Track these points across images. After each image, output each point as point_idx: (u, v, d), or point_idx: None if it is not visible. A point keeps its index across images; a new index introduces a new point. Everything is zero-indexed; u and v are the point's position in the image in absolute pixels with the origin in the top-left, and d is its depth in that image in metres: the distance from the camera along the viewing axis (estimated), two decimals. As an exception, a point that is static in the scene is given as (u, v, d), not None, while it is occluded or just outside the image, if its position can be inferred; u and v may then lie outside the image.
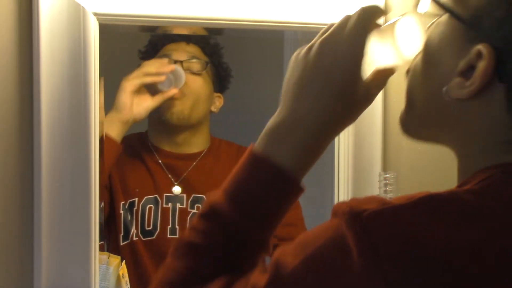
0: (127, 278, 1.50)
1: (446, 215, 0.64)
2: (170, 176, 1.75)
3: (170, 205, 1.72)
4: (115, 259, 1.46)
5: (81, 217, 1.30)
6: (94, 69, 1.29)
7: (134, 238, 1.70)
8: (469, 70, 0.72)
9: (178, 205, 1.72)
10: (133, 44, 1.77)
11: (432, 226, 0.62)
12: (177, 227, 1.71)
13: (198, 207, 1.72)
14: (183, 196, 1.73)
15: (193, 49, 1.75)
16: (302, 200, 1.90)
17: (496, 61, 0.69)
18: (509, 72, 0.70)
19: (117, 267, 1.46)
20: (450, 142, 0.78)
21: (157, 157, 1.76)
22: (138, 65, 1.67)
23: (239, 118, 1.78)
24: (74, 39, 1.27)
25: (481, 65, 0.70)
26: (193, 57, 1.73)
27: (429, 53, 0.78)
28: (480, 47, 0.70)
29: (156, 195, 1.72)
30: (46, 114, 1.27)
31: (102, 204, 1.49)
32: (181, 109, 1.72)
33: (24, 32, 1.26)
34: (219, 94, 1.80)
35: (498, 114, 0.71)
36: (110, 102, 1.71)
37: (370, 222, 0.62)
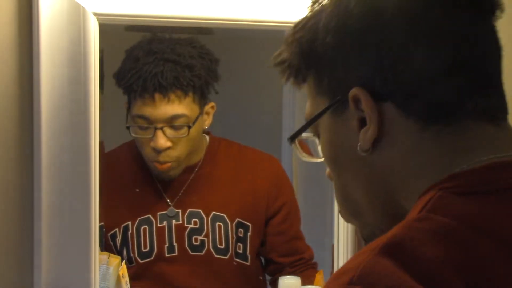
0: (127, 278, 1.50)
1: (407, 256, 0.64)
2: (165, 196, 1.69)
3: (165, 223, 1.67)
4: (115, 259, 1.46)
5: (81, 217, 1.30)
6: (94, 69, 1.29)
7: (130, 264, 1.65)
8: (361, 120, 0.74)
9: (174, 221, 1.67)
10: (133, 44, 1.77)
11: (399, 274, 0.63)
12: (175, 244, 1.67)
13: (195, 222, 1.67)
14: (179, 211, 1.68)
15: (174, 105, 1.58)
16: (302, 200, 1.91)
17: (370, 90, 0.72)
18: (388, 93, 0.72)
19: (117, 267, 1.46)
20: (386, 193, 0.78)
21: (151, 176, 1.68)
22: None
23: (238, 118, 1.78)
24: (74, 39, 1.27)
25: (363, 101, 0.72)
26: (174, 116, 1.58)
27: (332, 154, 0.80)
28: (350, 94, 0.73)
29: (149, 215, 1.67)
30: (46, 114, 1.27)
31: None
32: (173, 170, 1.65)
33: (24, 32, 1.26)
34: (212, 105, 1.68)
35: (411, 138, 0.73)
36: (110, 102, 1.71)
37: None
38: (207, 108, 1.66)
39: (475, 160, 0.70)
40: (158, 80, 1.55)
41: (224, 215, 1.69)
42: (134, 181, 1.70)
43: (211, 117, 1.68)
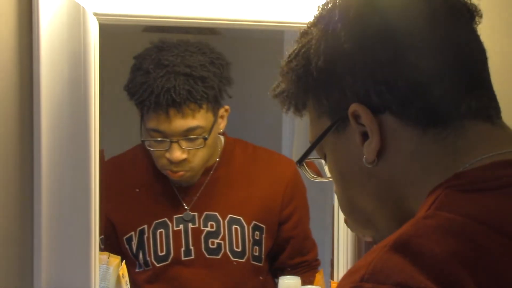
0: (127, 278, 1.50)
1: (415, 252, 0.66)
2: (181, 199, 1.67)
3: (181, 226, 1.66)
4: (115, 259, 1.46)
5: (81, 217, 1.30)
6: (94, 70, 1.29)
7: (147, 267, 1.65)
8: (363, 134, 0.77)
9: (190, 225, 1.66)
10: (133, 44, 1.77)
11: (408, 270, 0.64)
12: (191, 247, 1.66)
13: (211, 225, 1.66)
14: (195, 214, 1.66)
15: (189, 118, 1.57)
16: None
17: (367, 104, 0.76)
18: (384, 104, 0.75)
19: (117, 267, 1.46)
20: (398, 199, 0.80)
21: (167, 179, 1.66)
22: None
23: (239, 118, 1.77)
24: (74, 39, 1.27)
25: (363, 116, 0.76)
26: (190, 129, 1.57)
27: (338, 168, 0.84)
28: (350, 111, 0.76)
29: (165, 219, 1.66)
30: (46, 114, 1.27)
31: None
32: (189, 178, 1.64)
33: (24, 32, 1.26)
34: (226, 108, 1.66)
35: (413, 144, 0.76)
36: (110, 102, 1.71)
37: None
38: (221, 112, 1.64)
39: (477, 158, 0.74)
40: (171, 95, 1.53)
41: (241, 218, 1.68)
42: (149, 184, 1.68)
43: (225, 119, 1.67)
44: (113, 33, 1.38)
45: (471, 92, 0.76)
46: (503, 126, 0.78)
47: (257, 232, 1.69)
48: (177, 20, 1.37)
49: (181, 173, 1.61)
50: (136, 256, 1.66)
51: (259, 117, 1.99)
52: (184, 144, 1.58)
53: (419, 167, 0.76)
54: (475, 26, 0.79)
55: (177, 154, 1.57)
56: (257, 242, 1.69)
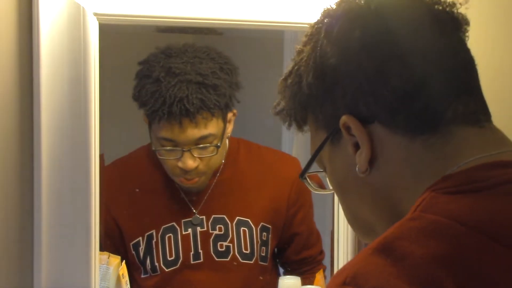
0: (127, 278, 1.50)
1: (397, 254, 0.68)
2: (189, 202, 1.66)
3: (190, 230, 1.65)
4: (115, 259, 1.46)
5: (81, 217, 1.30)
6: (94, 69, 1.29)
7: (154, 273, 1.64)
8: (355, 144, 0.80)
9: (198, 228, 1.65)
10: (133, 44, 1.77)
11: (387, 273, 0.66)
12: (200, 251, 1.65)
13: (220, 228, 1.66)
14: (203, 218, 1.65)
15: (201, 127, 1.56)
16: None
17: (356, 115, 0.79)
18: (372, 115, 0.78)
19: (117, 267, 1.46)
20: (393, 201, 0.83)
21: (174, 182, 1.65)
22: (137, 65, 1.63)
23: (239, 117, 1.77)
24: (74, 39, 1.27)
25: (353, 127, 0.79)
26: (202, 137, 1.56)
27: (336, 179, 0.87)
28: (341, 123, 0.80)
29: (173, 223, 1.65)
30: (46, 114, 1.27)
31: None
32: (202, 183, 1.64)
33: (24, 33, 1.26)
34: (233, 112, 1.65)
35: (403, 151, 0.78)
36: (110, 102, 1.71)
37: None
38: (229, 116, 1.64)
39: (465, 161, 0.75)
40: (184, 105, 1.51)
41: (249, 219, 1.67)
42: (156, 189, 1.67)
43: (232, 123, 1.66)
44: (113, 33, 1.38)
45: (458, 98, 0.78)
46: (492, 129, 0.80)
47: (264, 233, 1.69)
48: (177, 20, 1.37)
49: (195, 179, 1.61)
50: (143, 262, 1.64)
51: (259, 117, 1.99)
52: (196, 152, 1.57)
53: (410, 173, 0.78)
54: (462, 34, 0.82)
55: (190, 162, 1.57)
56: (264, 243, 1.69)
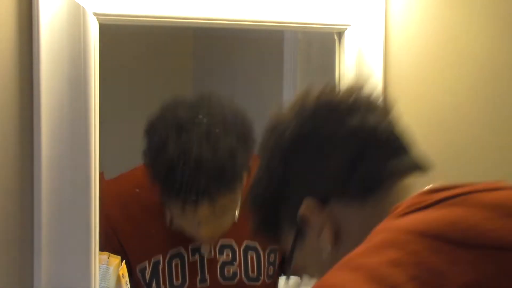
0: (127, 278, 1.50)
1: (355, 265, 0.75)
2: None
3: (197, 256, 1.61)
4: (115, 259, 1.46)
5: (81, 217, 1.30)
6: (94, 69, 1.29)
7: None
8: (319, 229, 0.90)
9: (206, 255, 1.62)
10: (133, 44, 1.77)
11: (347, 279, 0.73)
12: (207, 276, 1.62)
13: (227, 254, 1.62)
14: (210, 244, 1.62)
15: (221, 204, 1.49)
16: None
17: (315, 200, 0.89)
18: (326, 195, 0.89)
19: (117, 267, 1.46)
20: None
21: None
22: (137, 65, 1.62)
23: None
24: (74, 39, 1.27)
25: (311, 214, 0.90)
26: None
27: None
28: (299, 215, 0.90)
29: (180, 249, 1.61)
30: (46, 114, 1.27)
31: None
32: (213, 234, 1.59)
33: (24, 32, 1.26)
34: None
35: (359, 216, 0.88)
36: (109, 102, 1.71)
37: None
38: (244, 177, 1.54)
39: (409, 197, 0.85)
40: (204, 193, 1.44)
41: (256, 244, 1.65)
42: (161, 211, 1.61)
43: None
44: (113, 33, 1.38)
45: (391, 157, 0.88)
46: (432, 171, 0.90)
47: (272, 255, 1.67)
48: (177, 20, 1.37)
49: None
50: (149, 285, 1.62)
51: (258, 117, 1.98)
52: (212, 220, 1.53)
53: (368, 230, 0.83)
54: (391, 114, 0.93)
55: (205, 231, 1.54)
56: (272, 263, 1.67)
